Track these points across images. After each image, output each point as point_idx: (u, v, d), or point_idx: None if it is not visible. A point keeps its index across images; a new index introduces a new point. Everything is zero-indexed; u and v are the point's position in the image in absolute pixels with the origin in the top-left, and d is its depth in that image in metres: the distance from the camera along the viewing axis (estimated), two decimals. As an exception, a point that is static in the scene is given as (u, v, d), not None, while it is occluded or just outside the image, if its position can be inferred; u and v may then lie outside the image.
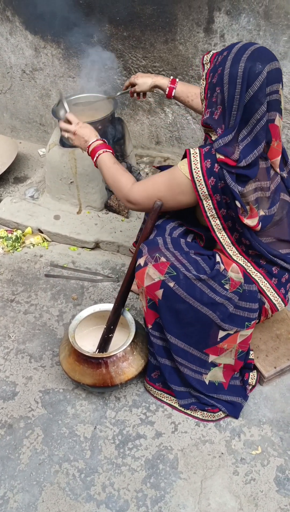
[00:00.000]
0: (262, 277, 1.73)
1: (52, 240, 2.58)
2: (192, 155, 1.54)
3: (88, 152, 1.79)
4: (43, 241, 2.57)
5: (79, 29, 2.63)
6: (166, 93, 2.01)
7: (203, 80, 1.59)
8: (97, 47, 2.67)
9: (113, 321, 1.85)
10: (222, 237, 1.65)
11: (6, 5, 2.72)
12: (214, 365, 1.81)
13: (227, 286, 1.66)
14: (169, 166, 2.06)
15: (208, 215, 1.60)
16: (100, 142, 1.77)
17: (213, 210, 1.58)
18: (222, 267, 1.67)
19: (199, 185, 1.53)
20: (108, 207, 2.62)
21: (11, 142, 3.06)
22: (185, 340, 1.73)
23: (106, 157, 1.74)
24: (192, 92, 2.00)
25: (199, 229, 1.82)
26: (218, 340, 1.73)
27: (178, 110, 2.75)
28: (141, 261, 1.66)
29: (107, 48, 2.66)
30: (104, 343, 1.87)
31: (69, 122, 1.84)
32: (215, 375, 1.83)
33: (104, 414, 1.83)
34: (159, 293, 1.62)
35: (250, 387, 1.88)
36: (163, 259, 1.62)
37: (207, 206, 1.58)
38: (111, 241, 2.46)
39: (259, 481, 1.63)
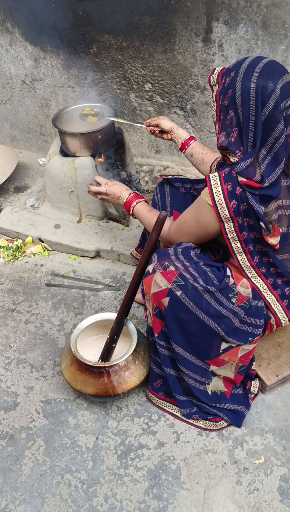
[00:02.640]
0: (274, 298, 1.74)
1: (53, 249, 2.58)
2: (211, 179, 1.53)
3: (123, 207, 1.95)
4: (44, 250, 2.57)
5: (78, 39, 2.66)
6: (185, 140, 2.04)
7: (213, 102, 1.56)
8: (97, 57, 2.69)
9: (116, 331, 1.85)
10: (242, 260, 1.65)
11: (6, 17, 2.75)
12: (215, 374, 1.80)
13: (234, 300, 1.66)
14: (175, 176, 2.11)
15: (229, 237, 1.59)
16: (132, 195, 1.93)
17: (234, 233, 1.57)
18: (232, 281, 1.66)
19: (220, 208, 1.52)
20: (108, 216, 2.62)
21: (11, 152, 3.07)
22: (189, 350, 1.72)
23: (141, 207, 1.90)
24: (206, 150, 2.03)
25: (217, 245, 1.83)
26: (220, 351, 1.73)
27: (177, 119, 2.77)
28: (150, 267, 1.66)
29: (106, 59, 2.68)
30: (106, 353, 1.87)
31: (98, 184, 2.01)
32: (216, 385, 1.82)
33: (106, 424, 1.82)
34: (165, 301, 1.62)
35: (252, 396, 1.87)
36: (172, 267, 1.62)
37: (228, 229, 1.57)
38: (111, 250, 2.46)
39: (262, 491, 1.62)
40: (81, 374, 1.74)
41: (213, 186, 1.52)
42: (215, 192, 1.52)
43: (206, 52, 2.46)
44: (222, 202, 1.51)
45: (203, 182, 1.99)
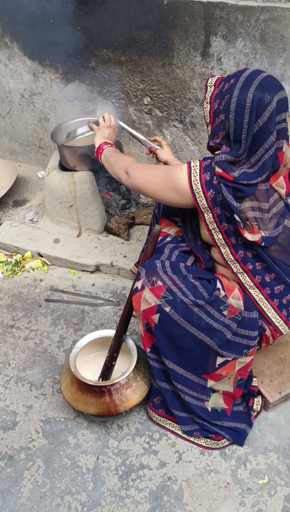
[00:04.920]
0: (264, 298, 1.71)
1: (52, 263, 2.56)
2: (192, 169, 1.55)
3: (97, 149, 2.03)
4: (43, 265, 2.55)
5: (77, 54, 2.66)
6: None
7: (206, 103, 1.60)
8: (95, 71, 2.69)
9: (115, 349, 1.83)
10: (225, 253, 1.64)
11: (5, 32, 2.75)
12: (213, 391, 1.78)
13: (225, 313, 1.64)
14: None
15: (210, 228, 1.60)
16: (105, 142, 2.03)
17: (215, 224, 1.58)
18: (223, 293, 1.65)
19: (198, 197, 1.54)
20: (108, 230, 2.61)
21: (10, 165, 3.06)
22: (183, 365, 1.70)
23: (112, 148, 1.99)
24: None
25: (199, 249, 1.81)
26: (216, 366, 1.70)
27: (177, 132, 2.76)
28: (138, 284, 1.65)
29: (105, 73, 2.68)
30: (106, 371, 1.84)
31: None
32: (216, 402, 1.79)
33: (106, 444, 1.79)
34: (156, 317, 1.61)
35: (255, 414, 1.84)
36: (159, 282, 1.60)
37: (208, 219, 1.58)
38: (111, 265, 2.44)
39: (266, 512, 1.59)
40: (82, 394, 1.71)
41: (192, 174, 1.55)
42: (194, 181, 1.54)
43: (204, 66, 2.46)
44: (200, 191, 1.53)
45: None
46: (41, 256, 2.56)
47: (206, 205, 1.54)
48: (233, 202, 1.49)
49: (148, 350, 1.73)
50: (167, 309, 1.59)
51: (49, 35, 2.65)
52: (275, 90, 1.43)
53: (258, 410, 1.85)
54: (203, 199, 1.54)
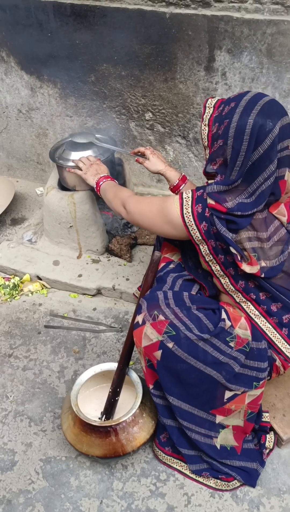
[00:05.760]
0: (271, 327, 1.61)
1: (52, 287, 2.46)
2: (184, 199, 1.49)
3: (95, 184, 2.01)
4: (42, 288, 2.45)
5: (75, 68, 2.57)
6: (174, 185, 1.93)
7: (204, 125, 1.53)
8: (95, 86, 2.60)
9: (118, 383, 1.72)
10: (225, 283, 1.57)
11: (1, 46, 2.67)
12: (223, 426, 1.68)
13: (232, 344, 1.54)
14: None
15: (207, 260, 1.54)
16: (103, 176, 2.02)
17: (211, 255, 1.52)
18: (228, 323, 1.56)
19: (191, 230, 1.48)
20: (109, 251, 2.51)
21: (7, 182, 2.97)
22: (189, 401, 1.61)
23: (112, 182, 1.98)
24: None
25: (201, 277, 1.72)
26: (225, 400, 1.61)
27: (179, 148, 2.67)
28: (139, 318, 1.56)
29: (105, 87, 2.59)
30: (110, 407, 1.74)
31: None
32: (225, 438, 1.69)
33: (110, 486, 1.68)
34: (158, 354, 1.51)
35: (267, 451, 1.74)
36: (161, 317, 1.51)
37: (204, 251, 1.52)
38: (113, 288, 2.34)
39: None
40: (86, 435, 1.61)
41: (184, 207, 1.49)
42: (185, 213, 1.49)
43: (208, 81, 2.37)
44: (192, 224, 1.48)
45: None
46: (40, 279, 2.46)
47: (200, 238, 1.49)
48: (227, 234, 1.42)
49: (151, 386, 1.63)
50: (170, 345, 1.49)
51: (47, 49, 2.56)
52: (278, 116, 1.34)
53: (271, 447, 1.75)
54: (196, 232, 1.48)
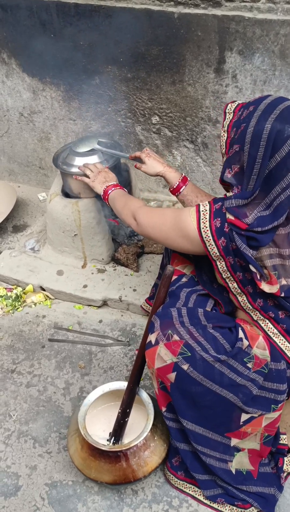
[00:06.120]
0: (288, 344, 1.51)
1: (56, 297, 2.37)
2: (201, 213, 1.39)
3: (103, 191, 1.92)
4: (46, 299, 2.36)
5: (80, 71, 2.48)
6: (174, 187, 1.82)
7: (224, 131, 1.42)
8: (100, 89, 2.51)
9: (128, 404, 1.63)
10: (243, 301, 1.47)
11: (2, 48, 2.57)
12: (238, 449, 1.59)
13: (250, 365, 1.45)
14: None
15: (224, 276, 1.44)
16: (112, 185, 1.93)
17: (228, 273, 1.42)
18: (246, 343, 1.46)
19: (209, 245, 1.39)
20: (115, 260, 2.42)
21: (9, 188, 2.88)
22: (204, 424, 1.52)
23: (119, 191, 1.88)
24: (200, 197, 1.81)
25: (217, 293, 1.63)
26: (241, 423, 1.52)
27: (187, 153, 2.58)
28: (152, 338, 1.46)
29: (110, 90, 2.50)
30: (119, 429, 1.65)
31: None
32: (241, 462, 1.60)
33: (120, 513, 1.60)
34: (172, 376, 1.42)
35: (285, 475, 1.65)
36: (176, 337, 1.42)
37: (221, 268, 1.43)
38: (120, 300, 2.25)
39: None
40: (95, 460, 1.52)
41: (201, 221, 1.39)
42: (203, 228, 1.38)
43: (218, 84, 2.28)
44: (210, 239, 1.38)
45: None
46: (44, 290, 2.37)
47: (218, 254, 1.39)
48: (247, 251, 1.32)
49: (163, 409, 1.54)
50: (185, 367, 1.40)
51: (50, 51, 2.47)
52: None
53: (289, 471, 1.66)
54: (214, 247, 1.38)
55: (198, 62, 2.25)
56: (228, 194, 1.39)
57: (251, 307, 1.47)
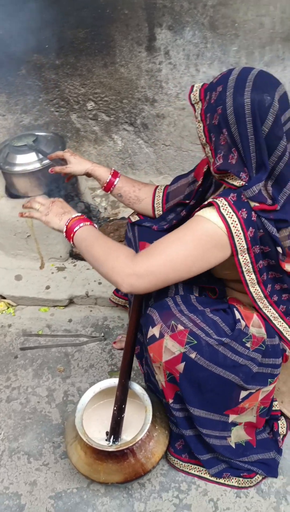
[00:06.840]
0: (288, 327, 1.55)
1: (18, 304, 2.27)
2: (222, 208, 1.27)
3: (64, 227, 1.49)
4: (8, 307, 2.25)
5: (2, 61, 2.33)
6: (106, 182, 1.68)
7: (198, 122, 1.34)
8: (27, 79, 2.38)
9: (122, 400, 1.60)
10: (255, 291, 1.43)
11: None
12: (235, 424, 1.62)
13: (248, 345, 1.47)
14: (151, 220, 1.77)
15: (243, 270, 1.35)
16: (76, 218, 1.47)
17: (250, 264, 1.34)
18: (243, 323, 1.47)
19: (237, 240, 1.28)
20: (73, 256, 2.35)
21: None
22: (206, 407, 1.53)
23: (91, 229, 1.43)
24: (137, 186, 1.71)
25: (212, 282, 1.62)
26: (240, 400, 1.55)
27: (128, 136, 2.53)
28: (155, 331, 1.42)
29: (38, 80, 2.38)
30: (116, 426, 1.62)
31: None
32: (238, 435, 1.64)
33: (132, 509, 1.58)
34: (181, 367, 1.41)
35: (281, 437, 1.71)
36: (180, 326, 1.39)
37: (243, 261, 1.33)
38: (87, 295, 2.19)
39: None
40: (102, 463, 1.48)
41: (227, 216, 1.26)
42: (231, 223, 1.26)
43: (151, 62, 2.23)
44: (240, 233, 1.27)
45: (173, 213, 1.74)
46: (4, 298, 2.26)
47: (245, 246, 1.30)
48: (277, 234, 1.29)
49: (170, 400, 1.52)
50: (193, 355, 1.39)
51: None
52: (273, 88, 1.21)
53: (284, 433, 1.72)
54: (242, 241, 1.29)
55: (128, 42, 2.19)
56: (235, 183, 1.30)
57: (262, 296, 1.45)
